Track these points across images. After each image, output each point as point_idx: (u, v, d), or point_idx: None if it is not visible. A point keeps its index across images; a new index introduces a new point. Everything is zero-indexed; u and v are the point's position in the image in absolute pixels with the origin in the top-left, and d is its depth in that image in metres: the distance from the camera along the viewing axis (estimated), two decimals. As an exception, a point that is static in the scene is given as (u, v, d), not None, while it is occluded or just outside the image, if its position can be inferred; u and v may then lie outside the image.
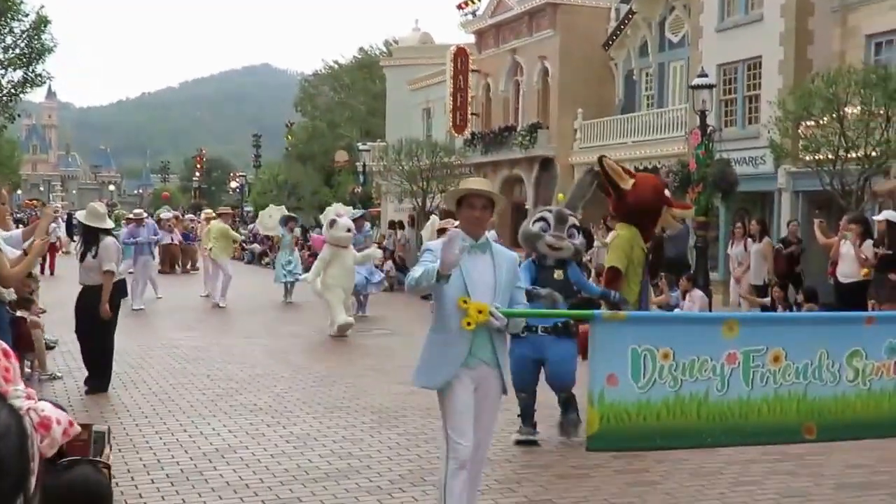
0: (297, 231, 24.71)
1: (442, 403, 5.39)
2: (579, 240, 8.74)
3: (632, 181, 9.23)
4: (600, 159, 9.44)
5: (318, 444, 8.08)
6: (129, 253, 18.90)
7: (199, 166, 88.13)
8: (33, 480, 1.46)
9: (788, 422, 5.46)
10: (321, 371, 12.03)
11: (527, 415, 8.38)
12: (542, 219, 8.60)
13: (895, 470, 7.63)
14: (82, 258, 10.42)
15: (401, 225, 31.79)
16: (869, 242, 13.69)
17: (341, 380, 11.37)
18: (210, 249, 20.67)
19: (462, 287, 5.20)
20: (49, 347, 12.33)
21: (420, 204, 32.98)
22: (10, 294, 6.68)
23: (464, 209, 5.44)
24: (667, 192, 9.62)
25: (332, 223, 16.04)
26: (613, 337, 5.24)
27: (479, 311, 5.08)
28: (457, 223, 5.83)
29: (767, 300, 16.55)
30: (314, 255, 19.69)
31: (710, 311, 17.00)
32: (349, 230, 16.20)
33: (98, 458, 3.32)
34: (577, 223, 8.87)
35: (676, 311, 16.80)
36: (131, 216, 21.79)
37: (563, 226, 8.55)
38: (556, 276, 8.39)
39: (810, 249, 17.85)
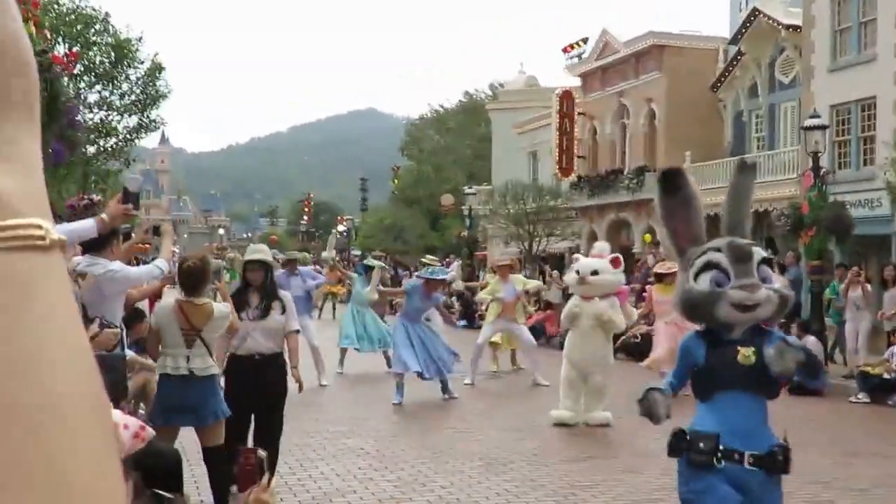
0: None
1: None
2: (781, 280, 5.53)
3: None
4: None
5: (426, 490, 8.06)
6: None
7: (306, 210, 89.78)
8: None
9: None
10: (427, 414, 12.04)
11: None
12: (709, 265, 4.93)
13: None
14: (242, 311, 7.48)
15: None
16: None
17: (447, 423, 11.36)
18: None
19: None
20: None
21: (526, 247, 32.95)
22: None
23: None
24: None
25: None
26: None
27: None
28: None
29: None
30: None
31: (826, 358, 16.53)
32: (594, 272, 11.31)
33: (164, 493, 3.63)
34: (767, 254, 5.33)
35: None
36: (282, 258, 15.91)
37: (746, 265, 4.91)
38: (742, 357, 4.82)
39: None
